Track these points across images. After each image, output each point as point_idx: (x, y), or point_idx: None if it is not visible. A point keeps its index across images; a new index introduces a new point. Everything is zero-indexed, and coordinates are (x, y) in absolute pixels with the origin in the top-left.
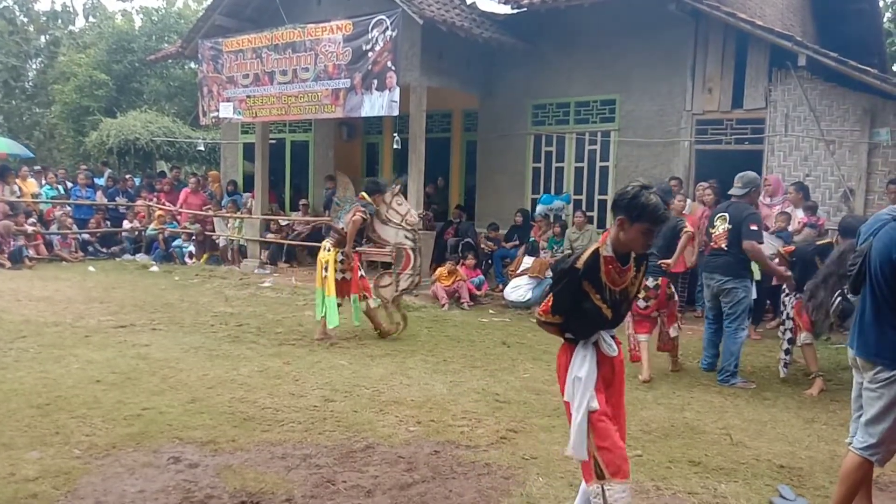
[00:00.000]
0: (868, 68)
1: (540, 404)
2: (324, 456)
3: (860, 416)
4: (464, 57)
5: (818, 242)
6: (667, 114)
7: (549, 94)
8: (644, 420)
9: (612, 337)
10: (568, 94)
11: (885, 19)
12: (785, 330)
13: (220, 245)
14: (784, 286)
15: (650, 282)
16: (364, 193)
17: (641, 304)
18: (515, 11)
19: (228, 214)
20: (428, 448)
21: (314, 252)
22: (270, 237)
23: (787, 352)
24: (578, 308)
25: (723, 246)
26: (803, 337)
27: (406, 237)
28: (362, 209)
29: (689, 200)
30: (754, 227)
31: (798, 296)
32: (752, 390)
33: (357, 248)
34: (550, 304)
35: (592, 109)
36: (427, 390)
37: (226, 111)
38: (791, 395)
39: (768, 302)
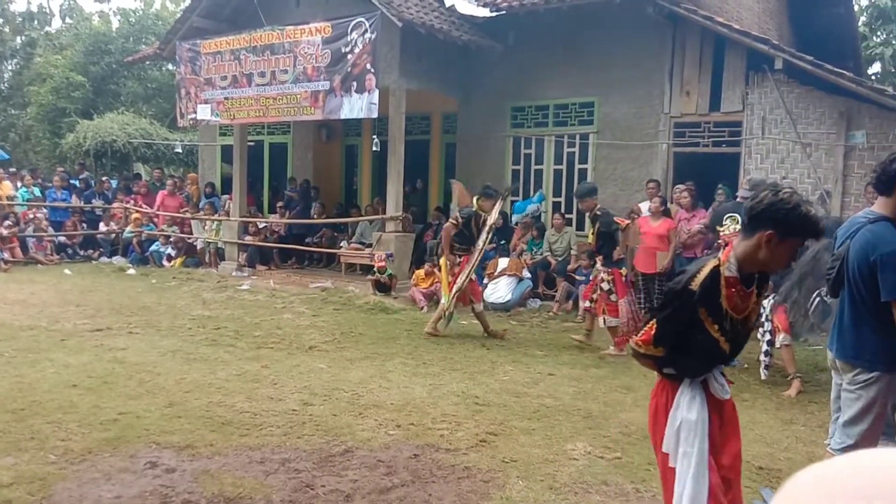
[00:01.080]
0: (843, 71)
1: (519, 407)
2: (302, 460)
3: (839, 417)
4: (443, 59)
5: None
6: (645, 116)
7: (527, 96)
8: (623, 422)
9: (722, 374)
10: (546, 97)
11: (860, 23)
12: (764, 332)
13: (198, 247)
14: None
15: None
16: (475, 198)
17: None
18: (494, 14)
19: (206, 217)
20: (407, 452)
21: (293, 255)
22: (249, 239)
23: (767, 353)
24: (688, 339)
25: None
26: (782, 338)
27: (483, 240)
28: (455, 215)
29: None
30: None
31: (776, 297)
32: (731, 392)
33: (463, 253)
34: (653, 332)
35: (571, 112)
36: (406, 393)
37: (203, 113)
38: (769, 397)
39: None
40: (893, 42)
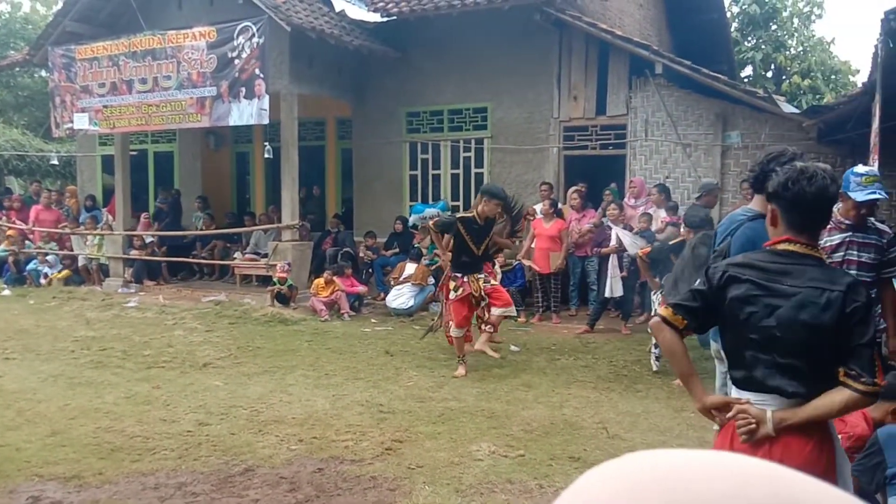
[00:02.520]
0: (719, 75)
1: (424, 412)
2: (200, 483)
3: None
4: (335, 64)
5: (671, 242)
6: (535, 121)
7: (422, 101)
8: (525, 420)
9: None
10: (440, 102)
11: (732, 29)
12: None
13: (80, 264)
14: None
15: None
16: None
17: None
18: (385, 20)
19: (87, 231)
20: (311, 466)
21: (182, 268)
22: (134, 254)
23: (657, 345)
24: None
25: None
26: None
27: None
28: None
29: (559, 205)
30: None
31: (662, 291)
32: (625, 384)
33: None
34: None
35: (465, 117)
36: (308, 406)
37: (81, 122)
38: (661, 387)
39: (637, 298)
40: (763, 47)
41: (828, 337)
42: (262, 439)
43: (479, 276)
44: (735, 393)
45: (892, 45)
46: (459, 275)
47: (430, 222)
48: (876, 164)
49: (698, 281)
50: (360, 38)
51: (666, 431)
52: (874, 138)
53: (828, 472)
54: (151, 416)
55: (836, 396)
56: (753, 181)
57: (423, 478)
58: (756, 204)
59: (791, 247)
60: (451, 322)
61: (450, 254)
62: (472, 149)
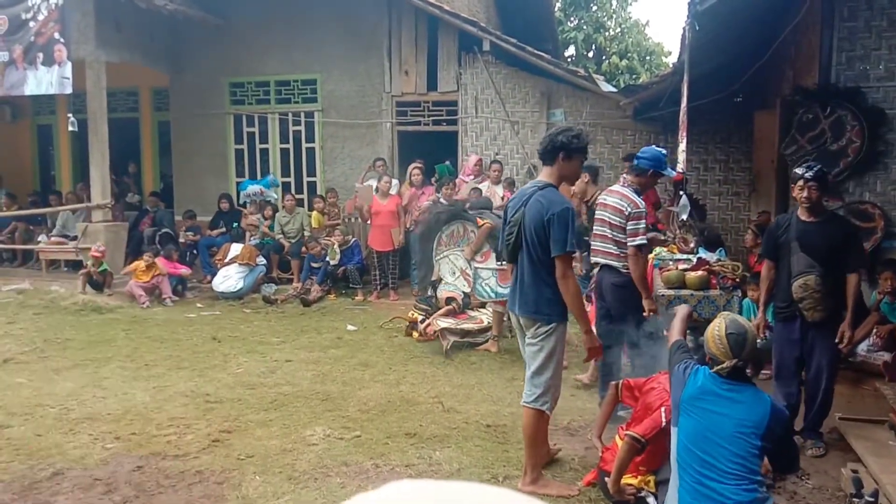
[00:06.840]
0: (543, 54)
1: (255, 399)
2: (0, 493)
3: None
4: (148, 30)
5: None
6: (367, 95)
7: (246, 72)
8: (362, 399)
9: None
10: (266, 73)
11: (556, 9)
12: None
13: None
14: None
15: None
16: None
17: None
18: None
19: None
20: (129, 464)
21: None
22: None
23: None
24: None
25: None
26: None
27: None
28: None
29: (394, 181)
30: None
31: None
32: (460, 357)
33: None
34: None
35: (294, 89)
36: (126, 401)
37: None
38: (493, 358)
39: None
40: (584, 27)
41: None
42: (73, 439)
43: None
44: None
45: (697, 28)
46: None
47: None
48: (684, 140)
49: None
50: (174, 2)
51: (498, 401)
52: (683, 116)
53: None
54: None
55: None
56: (542, 153)
57: (254, 468)
58: (545, 175)
59: None
60: None
61: None
62: (301, 122)
